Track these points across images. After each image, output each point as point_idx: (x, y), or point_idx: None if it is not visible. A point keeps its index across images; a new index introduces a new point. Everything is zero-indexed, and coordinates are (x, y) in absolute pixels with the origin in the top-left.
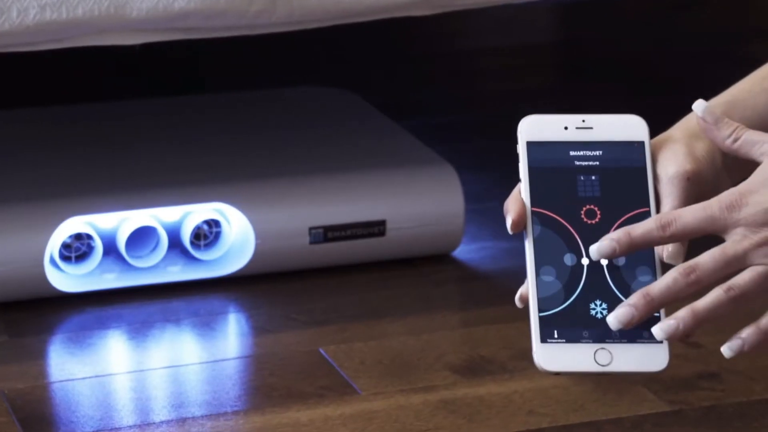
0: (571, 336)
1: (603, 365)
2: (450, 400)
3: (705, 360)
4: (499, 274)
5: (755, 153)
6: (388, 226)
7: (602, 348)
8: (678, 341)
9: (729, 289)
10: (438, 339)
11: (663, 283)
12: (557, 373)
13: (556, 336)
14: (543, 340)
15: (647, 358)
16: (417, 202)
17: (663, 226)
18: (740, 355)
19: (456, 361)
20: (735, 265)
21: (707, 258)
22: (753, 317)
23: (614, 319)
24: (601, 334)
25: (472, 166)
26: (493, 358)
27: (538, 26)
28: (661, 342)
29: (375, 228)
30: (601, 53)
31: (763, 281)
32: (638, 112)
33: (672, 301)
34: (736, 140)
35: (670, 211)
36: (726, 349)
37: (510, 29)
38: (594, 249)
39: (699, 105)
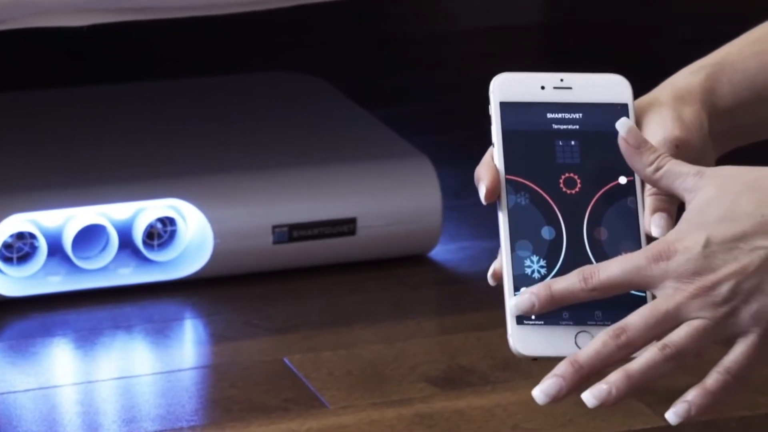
0: (550, 317)
1: None
2: (426, 414)
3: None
4: (480, 276)
5: (678, 187)
6: (359, 224)
7: (584, 331)
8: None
9: (664, 347)
10: (413, 347)
11: (591, 348)
12: (534, 359)
13: (533, 317)
14: (519, 321)
15: None
16: (390, 199)
17: (585, 279)
18: (687, 420)
19: (433, 371)
20: (668, 322)
21: (637, 318)
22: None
23: (541, 393)
24: (582, 315)
25: (451, 159)
26: (474, 368)
27: (523, 7)
28: None
29: (344, 226)
30: (593, 36)
31: (700, 336)
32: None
33: (603, 367)
34: (658, 170)
35: (594, 264)
36: (671, 415)
37: (493, 10)
38: (512, 304)
39: (623, 124)
